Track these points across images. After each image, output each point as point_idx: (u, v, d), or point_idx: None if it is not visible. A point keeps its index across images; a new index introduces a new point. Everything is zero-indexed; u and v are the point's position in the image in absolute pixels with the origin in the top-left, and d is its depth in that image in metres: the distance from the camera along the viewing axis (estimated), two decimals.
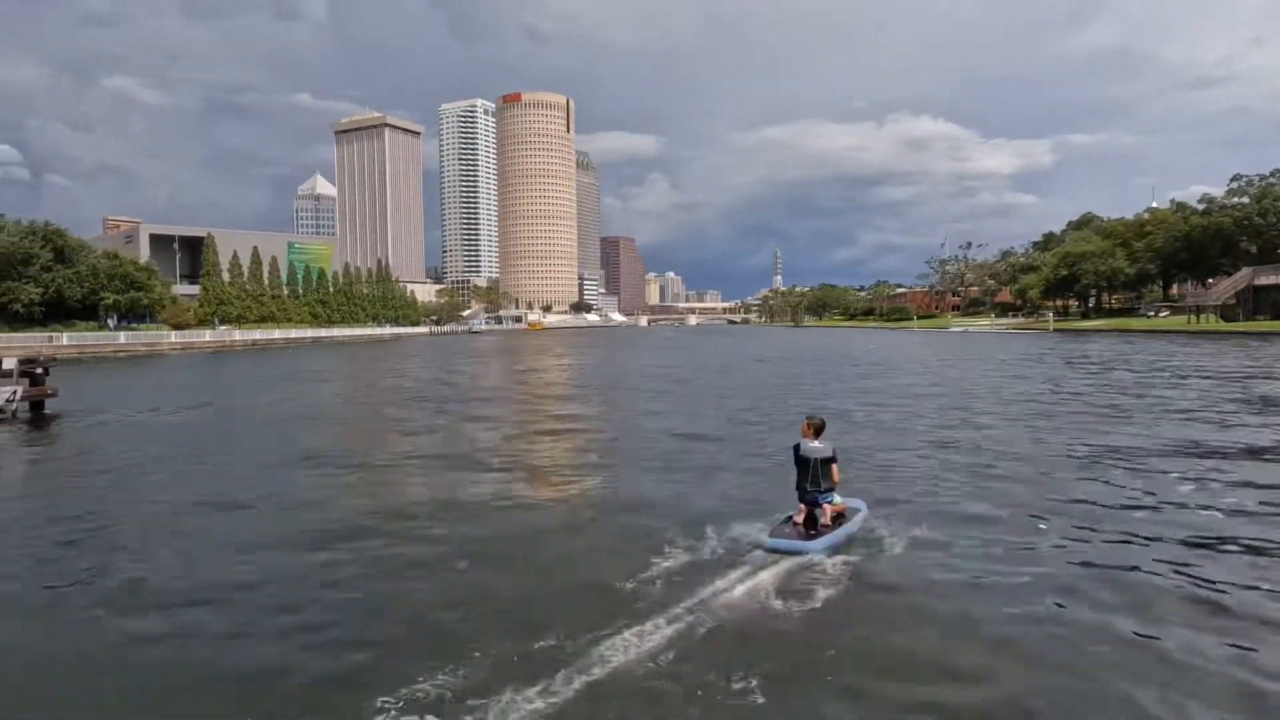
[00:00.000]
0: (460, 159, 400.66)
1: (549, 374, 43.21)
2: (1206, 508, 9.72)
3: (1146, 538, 8.52)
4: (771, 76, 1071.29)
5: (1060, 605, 6.63)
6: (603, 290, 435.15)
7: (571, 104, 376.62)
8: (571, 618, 6.32)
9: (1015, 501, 10.24)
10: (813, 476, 8.51)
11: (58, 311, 75.84)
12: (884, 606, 6.77)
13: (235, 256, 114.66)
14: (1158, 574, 7.36)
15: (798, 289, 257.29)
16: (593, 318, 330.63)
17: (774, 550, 7.97)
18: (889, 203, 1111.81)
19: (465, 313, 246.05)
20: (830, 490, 8.55)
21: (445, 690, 5.20)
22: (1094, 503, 10.09)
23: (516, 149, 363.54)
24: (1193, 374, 30.50)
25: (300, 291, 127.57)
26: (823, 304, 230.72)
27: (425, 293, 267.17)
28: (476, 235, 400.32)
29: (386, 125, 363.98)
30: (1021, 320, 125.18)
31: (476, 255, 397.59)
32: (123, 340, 77.90)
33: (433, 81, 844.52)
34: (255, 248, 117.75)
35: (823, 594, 6.99)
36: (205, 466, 14.50)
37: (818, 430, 8.76)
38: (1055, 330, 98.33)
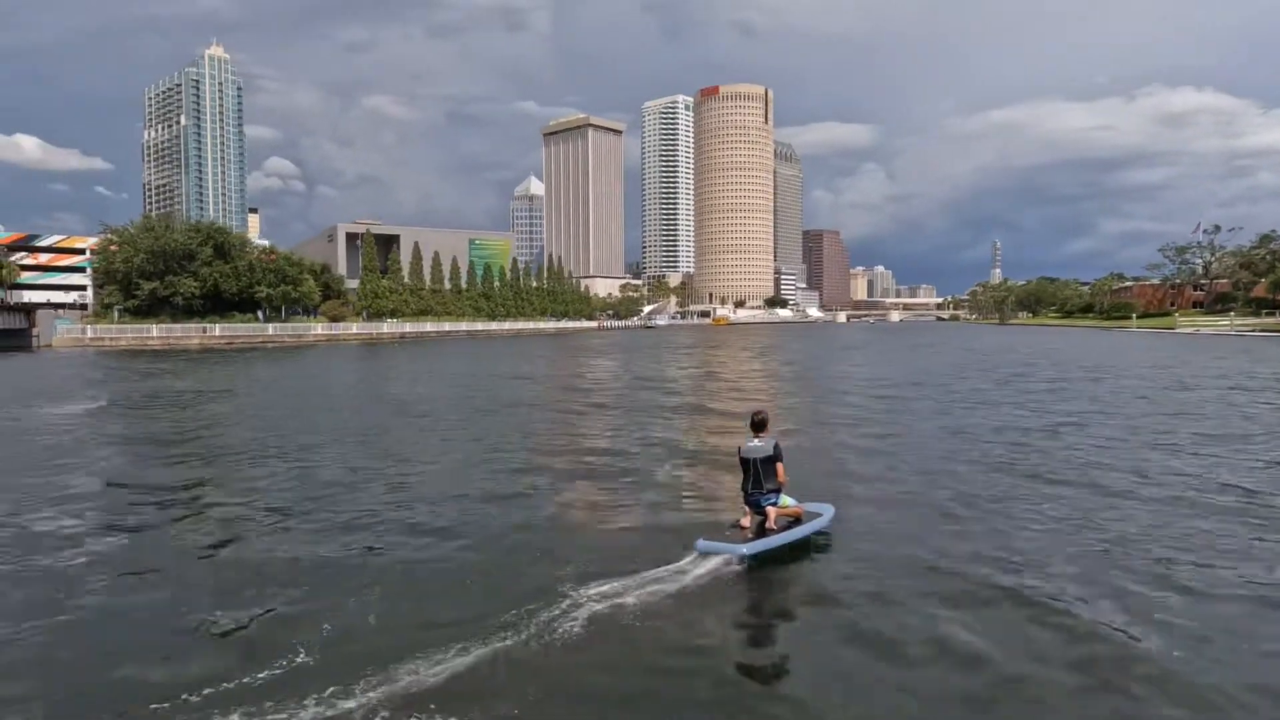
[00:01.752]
0: (661, 155, 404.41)
1: (597, 382, 38.59)
2: None
3: None
4: (997, 55, 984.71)
5: None
6: (802, 285, 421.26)
7: (770, 94, 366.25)
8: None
9: None
10: (754, 478, 8.11)
11: (218, 304, 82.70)
12: (772, 621, 6.72)
13: (416, 250, 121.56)
14: None
15: (1009, 283, 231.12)
16: (785, 313, 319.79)
17: (703, 552, 7.61)
18: (1137, 187, 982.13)
19: (647, 308, 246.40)
20: (775, 492, 8.14)
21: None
22: None
23: (713, 142, 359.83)
24: None
25: (463, 286, 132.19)
26: (1036, 299, 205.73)
27: (611, 288, 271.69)
28: (675, 231, 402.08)
29: (589, 126, 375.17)
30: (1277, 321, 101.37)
31: (674, 250, 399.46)
32: (271, 331, 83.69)
33: (643, 83, 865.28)
34: (416, 243, 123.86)
35: (718, 601, 6.87)
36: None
37: (759, 426, 8.29)
38: None
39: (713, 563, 7.47)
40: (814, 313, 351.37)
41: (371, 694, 5.18)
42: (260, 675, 5.50)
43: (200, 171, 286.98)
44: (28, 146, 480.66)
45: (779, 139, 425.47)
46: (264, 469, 13.56)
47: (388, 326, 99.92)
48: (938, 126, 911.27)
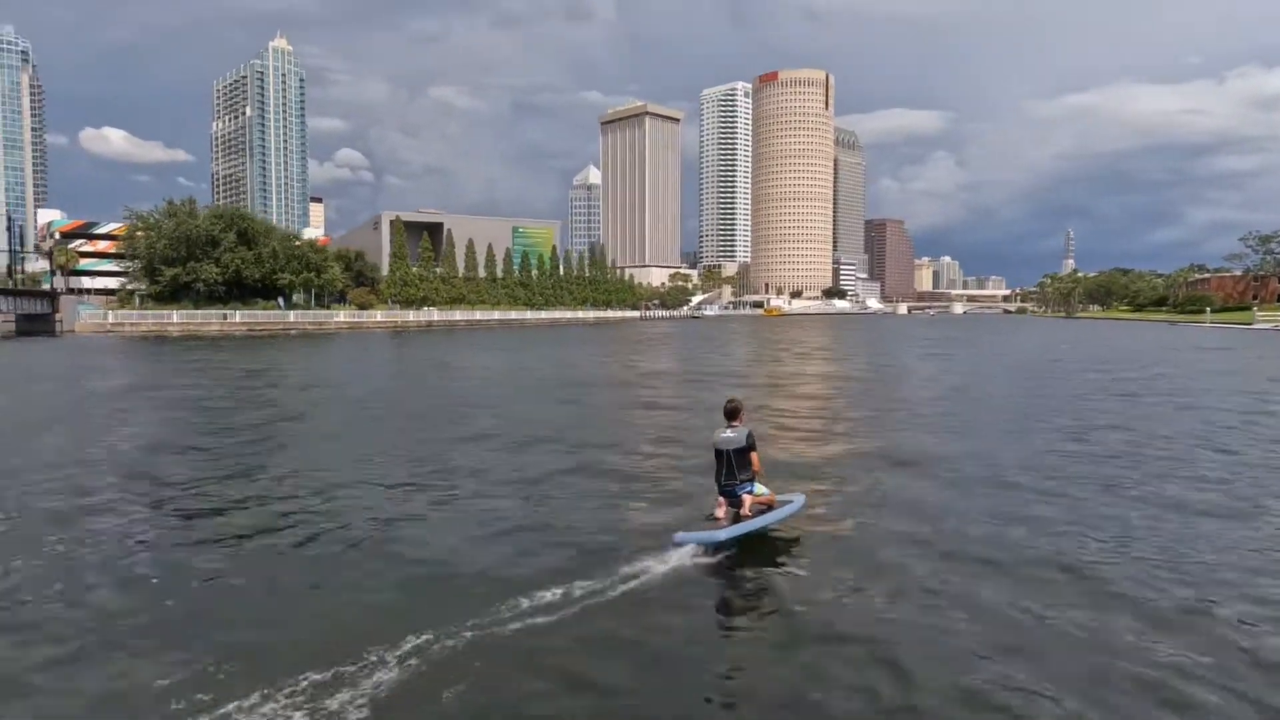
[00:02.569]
0: (719, 143, 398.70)
1: (540, 379, 36.46)
2: None
3: None
4: (1078, 36, 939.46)
5: None
6: (863, 276, 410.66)
7: (831, 80, 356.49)
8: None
9: None
10: (728, 468, 8.10)
11: (241, 290, 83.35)
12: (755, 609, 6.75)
13: (449, 238, 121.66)
14: None
15: (1077, 274, 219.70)
16: (843, 304, 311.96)
17: (680, 543, 7.59)
18: (1227, 174, 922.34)
19: (696, 298, 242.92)
20: (749, 481, 8.11)
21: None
22: None
23: (771, 129, 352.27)
24: None
25: (499, 275, 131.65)
26: (1107, 291, 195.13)
27: (663, 277, 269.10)
28: (732, 219, 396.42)
29: (646, 114, 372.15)
30: None
31: (731, 240, 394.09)
32: (292, 318, 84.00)
33: (707, 71, 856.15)
34: (448, 230, 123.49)
35: (710, 588, 7.08)
36: None
37: (732, 415, 8.24)
38: None
39: (689, 553, 7.53)
40: (874, 304, 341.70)
41: (335, 691, 5.12)
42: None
43: (264, 161, 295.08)
44: (115, 139, 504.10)
45: (842, 126, 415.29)
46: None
47: (414, 315, 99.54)
48: (1013, 111, 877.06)
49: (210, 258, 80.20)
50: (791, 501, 8.57)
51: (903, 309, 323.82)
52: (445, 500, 10.20)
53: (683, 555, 7.47)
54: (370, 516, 9.32)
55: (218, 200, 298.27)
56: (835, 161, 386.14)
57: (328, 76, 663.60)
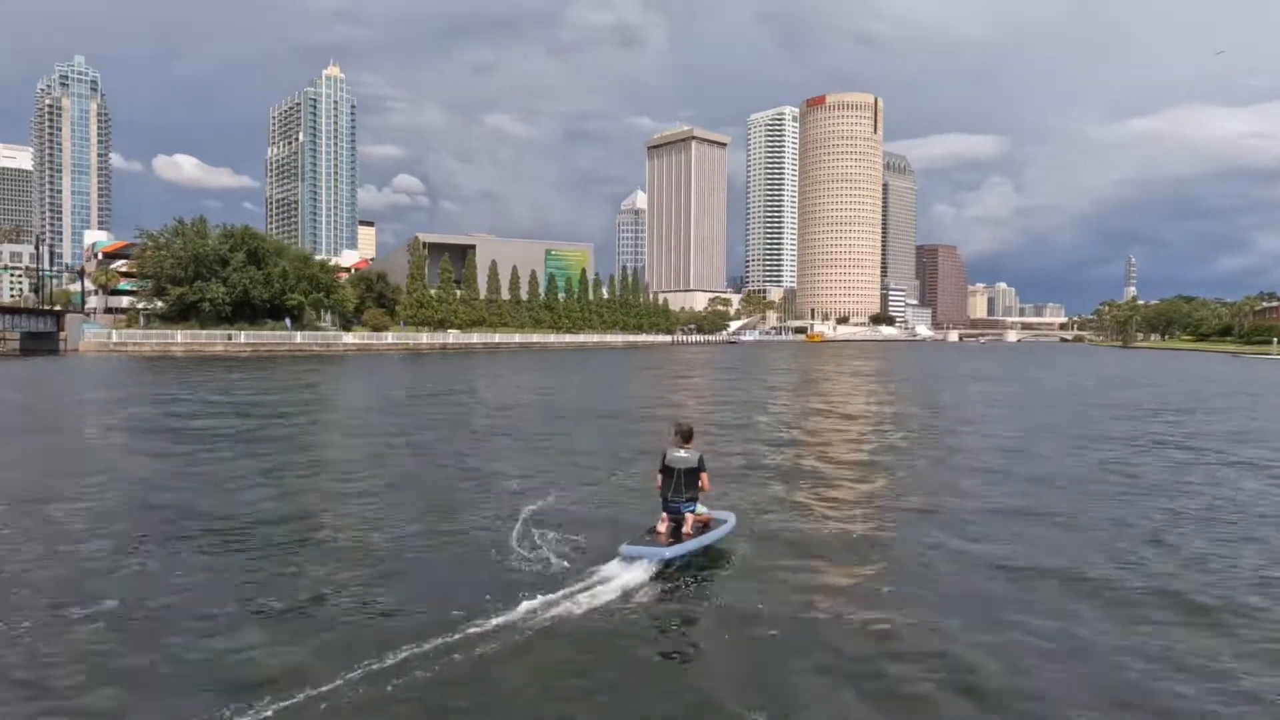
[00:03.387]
0: (766, 168, 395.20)
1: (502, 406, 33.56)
2: None
3: None
4: (1141, 59, 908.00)
5: None
6: (913, 302, 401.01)
7: (880, 103, 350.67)
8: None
9: None
10: (675, 486, 8.44)
11: (249, 311, 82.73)
12: (701, 621, 6.99)
13: (471, 260, 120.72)
14: None
15: (1135, 301, 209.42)
16: (890, 331, 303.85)
17: (627, 557, 7.90)
18: None
19: (734, 324, 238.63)
20: (694, 500, 8.50)
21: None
22: None
23: (818, 153, 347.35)
24: None
25: (523, 297, 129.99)
26: (1168, 320, 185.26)
27: (705, 301, 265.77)
28: (779, 244, 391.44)
29: (693, 138, 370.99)
30: None
31: (778, 265, 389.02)
32: (299, 340, 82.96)
33: (758, 97, 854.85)
34: (470, 252, 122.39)
35: (658, 603, 7.29)
36: None
37: (686, 436, 8.64)
38: None
39: (637, 566, 7.78)
40: (923, 331, 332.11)
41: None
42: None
43: (315, 185, 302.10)
44: (187, 166, 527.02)
45: (893, 151, 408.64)
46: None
47: (427, 337, 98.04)
48: (1072, 136, 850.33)
49: (219, 277, 79.77)
50: (725, 521, 8.96)
51: (954, 336, 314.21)
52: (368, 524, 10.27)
53: (632, 569, 7.70)
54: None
55: (270, 223, 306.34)
56: (885, 186, 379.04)
57: (387, 105, 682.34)
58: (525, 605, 6.80)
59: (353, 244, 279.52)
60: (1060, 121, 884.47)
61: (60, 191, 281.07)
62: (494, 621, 6.49)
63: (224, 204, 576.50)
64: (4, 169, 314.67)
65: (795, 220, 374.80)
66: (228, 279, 79.74)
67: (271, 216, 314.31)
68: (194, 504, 11.05)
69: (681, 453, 8.42)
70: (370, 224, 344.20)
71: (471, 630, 6.34)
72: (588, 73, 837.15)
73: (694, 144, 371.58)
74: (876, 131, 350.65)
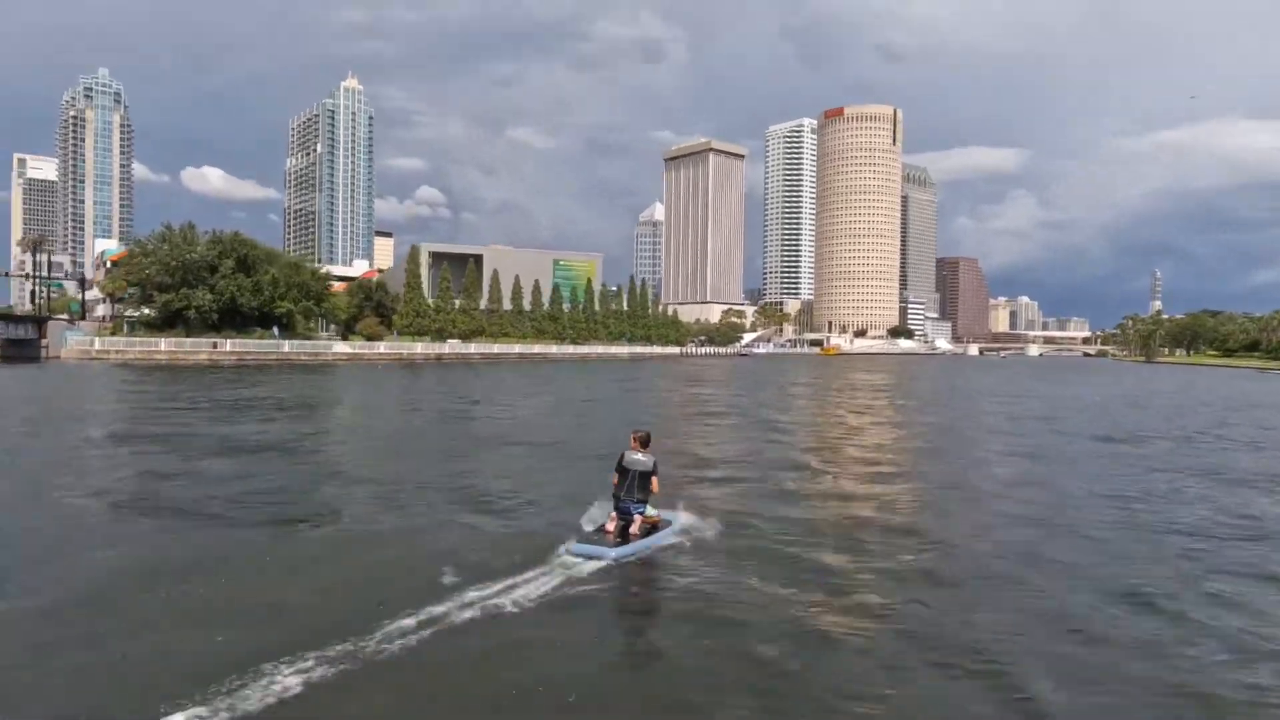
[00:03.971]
0: (784, 180, 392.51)
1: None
2: None
3: None
4: (1169, 70, 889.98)
5: None
6: (933, 315, 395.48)
7: (899, 115, 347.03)
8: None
9: None
10: (629, 487, 8.94)
11: (236, 319, 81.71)
12: (652, 615, 7.42)
13: (472, 270, 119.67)
14: None
15: (1160, 316, 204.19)
16: (908, 344, 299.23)
17: (575, 555, 8.36)
18: None
19: (748, 336, 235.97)
20: (643, 501, 8.98)
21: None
22: None
23: (837, 165, 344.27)
24: None
25: (525, 307, 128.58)
26: (1193, 334, 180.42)
27: (718, 313, 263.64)
28: (796, 257, 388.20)
29: (710, 150, 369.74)
30: None
31: (796, 277, 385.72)
32: (286, 349, 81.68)
33: (779, 109, 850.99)
34: (472, 261, 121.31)
35: (604, 598, 7.53)
36: None
37: (643, 442, 9.21)
38: None
39: (584, 564, 8.15)
40: (943, 344, 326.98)
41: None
42: None
43: (333, 196, 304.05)
44: (213, 178, 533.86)
45: (914, 164, 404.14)
46: None
47: (421, 347, 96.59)
48: (1099, 148, 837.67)
49: (206, 284, 78.82)
50: (671, 523, 9.46)
51: (973, 350, 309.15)
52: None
53: (579, 566, 8.13)
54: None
55: (289, 234, 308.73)
56: (905, 199, 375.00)
57: (412, 118, 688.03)
58: (468, 598, 7.01)
59: (368, 254, 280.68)
60: (1085, 134, 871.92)
61: (83, 202, 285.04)
62: (433, 614, 6.65)
63: (249, 215, 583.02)
64: (32, 180, 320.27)
65: (813, 232, 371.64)
66: (215, 286, 78.79)
67: (290, 227, 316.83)
68: None
69: (639, 456, 9.06)
70: (389, 235, 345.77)
71: (405, 622, 6.48)
72: (610, 86, 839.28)
73: (711, 156, 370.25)
74: (896, 143, 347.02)
